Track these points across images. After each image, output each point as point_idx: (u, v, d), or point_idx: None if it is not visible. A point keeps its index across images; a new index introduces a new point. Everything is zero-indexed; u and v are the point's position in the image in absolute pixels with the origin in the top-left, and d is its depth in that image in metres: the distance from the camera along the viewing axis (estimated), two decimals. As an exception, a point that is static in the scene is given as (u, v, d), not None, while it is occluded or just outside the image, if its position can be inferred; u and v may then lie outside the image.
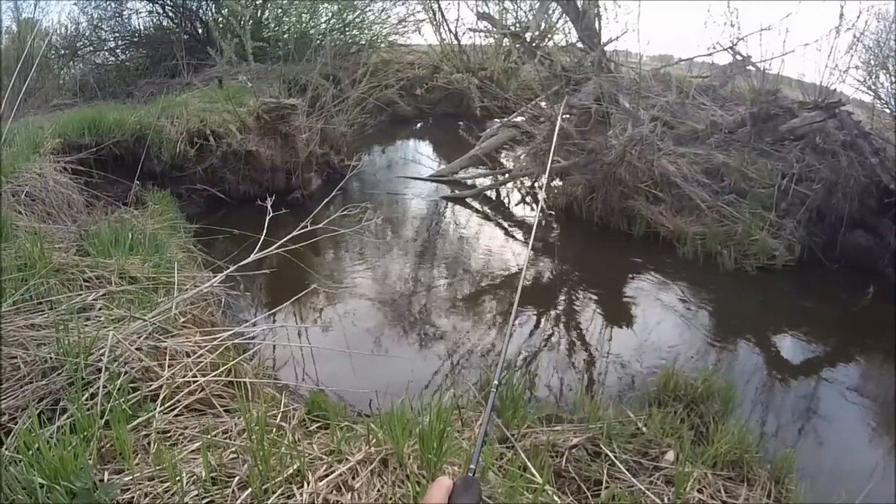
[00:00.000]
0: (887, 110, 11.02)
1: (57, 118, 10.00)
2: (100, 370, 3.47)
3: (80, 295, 4.47)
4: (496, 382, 1.31)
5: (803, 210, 9.08)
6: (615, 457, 3.92)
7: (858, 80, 11.09)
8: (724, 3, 12.04)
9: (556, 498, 3.43)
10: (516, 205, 11.78)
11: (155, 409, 3.43)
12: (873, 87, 10.99)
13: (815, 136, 10.03)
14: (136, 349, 3.74)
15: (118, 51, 17.99)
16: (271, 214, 6.20)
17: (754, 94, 11.08)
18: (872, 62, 11.08)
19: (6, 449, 2.85)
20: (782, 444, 5.03)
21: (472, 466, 1.31)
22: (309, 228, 6.17)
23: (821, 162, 9.53)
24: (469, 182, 12.55)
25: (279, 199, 7.22)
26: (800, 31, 11.98)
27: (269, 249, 5.74)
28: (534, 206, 11.63)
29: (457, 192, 12.00)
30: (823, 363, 6.76)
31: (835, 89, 10.62)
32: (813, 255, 8.89)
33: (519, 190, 12.37)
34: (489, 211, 11.33)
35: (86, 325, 3.89)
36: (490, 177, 12.92)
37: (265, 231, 5.93)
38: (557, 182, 11.51)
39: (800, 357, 6.88)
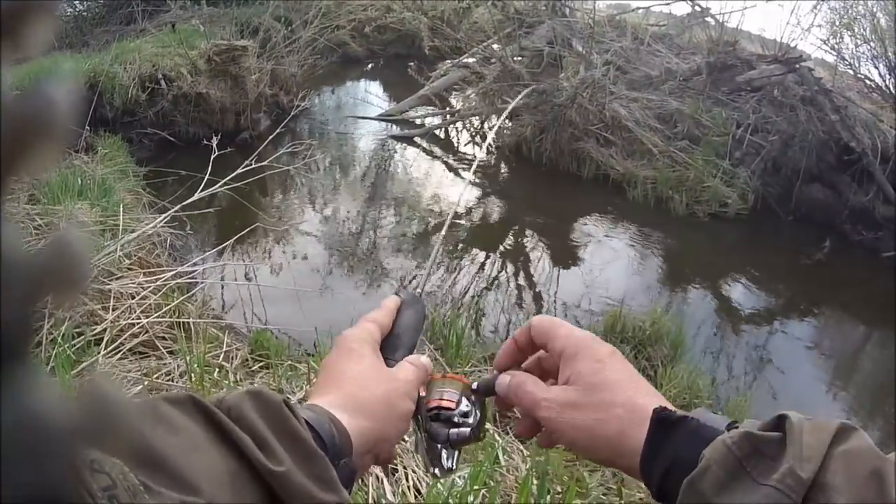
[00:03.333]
0: (851, 72, 11.02)
1: (14, 71, 9.87)
2: (44, 317, 3.45)
3: (29, 242, 4.36)
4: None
5: (758, 160, 9.06)
6: None
7: (821, 40, 11.09)
8: None
9: (497, 437, 3.44)
10: (465, 145, 11.80)
11: (98, 353, 3.50)
12: (837, 47, 10.96)
13: (773, 90, 10.02)
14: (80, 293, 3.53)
15: (76, 2, 17.69)
16: (216, 153, 6.20)
17: (711, 45, 11.10)
18: (837, 22, 11.07)
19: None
20: (734, 392, 5.11)
21: (419, 290, 1.13)
22: (254, 166, 6.21)
23: (778, 115, 9.52)
24: (418, 122, 12.51)
25: (228, 140, 7.38)
26: None
27: (214, 188, 5.79)
28: (482, 145, 11.49)
29: (406, 131, 11.93)
30: (777, 314, 6.78)
31: (796, 46, 10.64)
32: (767, 206, 8.87)
33: (468, 130, 12.36)
34: (438, 150, 11.31)
35: None
36: (439, 116, 12.92)
37: (210, 170, 5.95)
38: (507, 122, 11.34)
39: (752, 306, 6.89)
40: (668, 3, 13.06)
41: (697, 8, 12.44)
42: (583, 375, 0.89)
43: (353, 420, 0.88)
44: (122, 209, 5.47)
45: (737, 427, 0.75)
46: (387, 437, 0.96)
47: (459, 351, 4.47)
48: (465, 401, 1.06)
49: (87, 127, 8.57)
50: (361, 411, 0.91)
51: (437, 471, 1.05)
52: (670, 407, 0.82)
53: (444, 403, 1.05)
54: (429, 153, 11.12)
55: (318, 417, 0.83)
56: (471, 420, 1.05)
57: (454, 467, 1.05)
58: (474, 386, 1.07)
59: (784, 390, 5.37)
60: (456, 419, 1.04)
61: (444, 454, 1.04)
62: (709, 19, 12.18)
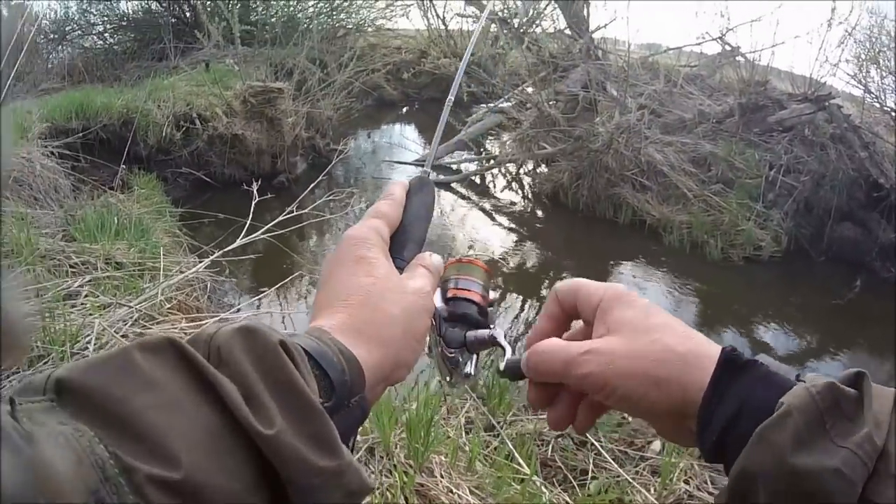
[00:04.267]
0: (877, 104, 11.04)
1: (45, 103, 9.97)
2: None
3: (67, 282, 4.42)
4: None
5: (791, 201, 9.08)
6: (601, 446, 3.82)
7: (849, 74, 11.08)
8: None
9: (543, 488, 3.37)
10: (501, 190, 11.79)
11: None
12: (864, 81, 10.96)
13: (803, 129, 10.03)
14: (122, 336, 3.68)
15: (107, 35, 17.95)
16: (257, 199, 6.11)
17: (743, 85, 11.09)
18: (863, 56, 11.08)
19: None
20: None
21: (427, 169, 1.10)
22: (295, 213, 6.09)
23: (809, 154, 9.54)
24: (454, 167, 12.55)
25: (265, 183, 7.16)
26: (791, 23, 11.97)
27: (255, 235, 5.69)
28: (519, 191, 11.66)
29: (442, 177, 11.90)
30: (809, 354, 6.80)
31: (825, 82, 10.64)
32: (800, 247, 8.90)
33: (504, 175, 12.36)
34: (474, 196, 11.31)
35: (72, 313, 3.81)
36: (475, 162, 12.93)
37: (251, 216, 5.87)
38: (543, 169, 11.53)
39: (785, 347, 6.91)
40: (698, 43, 13.11)
41: (728, 47, 12.51)
42: (628, 321, 0.84)
43: (366, 348, 0.79)
44: (161, 252, 5.43)
45: (802, 381, 0.72)
46: (404, 362, 0.88)
47: (503, 399, 4.29)
48: (488, 292, 1.00)
49: (122, 165, 8.55)
50: (376, 337, 0.82)
51: (451, 378, 0.99)
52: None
53: (462, 294, 0.98)
54: (465, 198, 11.16)
55: (324, 349, 0.74)
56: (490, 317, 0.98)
57: (472, 373, 0.98)
58: (502, 367, 0.93)
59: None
60: (472, 316, 0.97)
61: (460, 359, 0.97)
62: (739, 58, 12.20)
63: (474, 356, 0.97)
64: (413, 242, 0.99)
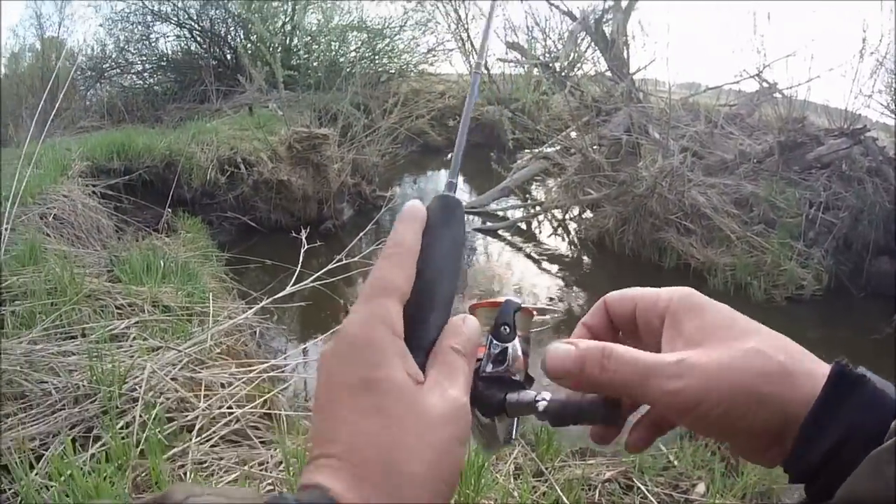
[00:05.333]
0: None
1: (84, 140, 10.15)
2: (134, 400, 3.50)
3: (113, 323, 4.47)
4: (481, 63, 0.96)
5: (830, 238, 9.12)
6: (647, 490, 3.89)
7: (882, 105, 11.20)
8: (749, 29, 11.99)
9: None
10: (547, 236, 11.83)
11: (191, 439, 3.41)
12: (896, 110, 10.98)
13: (841, 164, 10.07)
14: (172, 379, 3.81)
15: (146, 74, 18.30)
16: (306, 247, 6.15)
17: (781, 123, 11.14)
18: (895, 86, 11.13)
19: (36, 474, 2.86)
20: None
21: (452, 181, 0.84)
22: (345, 261, 6.13)
23: (847, 189, 9.58)
24: (500, 214, 12.61)
25: (311, 229, 7.16)
26: (824, 56, 12.00)
27: (305, 283, 5.69)
28: (565, 237, 11.72)
29: (488, 223, 12.04)
30: None
31: (860, 114, 10.74)
32: (840, 284, 8.93)
33: (550, 221, 12.38)
34: (520, 243, 11.36)
35: (118, 354, 3.90)
36: (521, 209, 12.97)
37: (300, 263, 5.91)
38: (588, 214, 11.61)
39: None
40: (736, 82, 13.23)
41: (765, 84, 12.60)
42: (714, 328, 0.72)
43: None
44: (210, 298, 5.46)
45: None
46: None
47: (551, 444, 4.23)
48: (494, 340, 0.78)
49: (167, 209, 8.58)
50: (395, 494, 0.63)
51: (488, 444, 0.81)
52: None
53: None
54: (511, 245, 11.20)
55: None
56: (517, 365, 0.78)
57: (513, 437, 0.80)
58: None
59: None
60: (509, 375, 0.77)
61: (497, 425, 0.79)
62: (777, 95, 12.26)
63: (515, 419, 0.79)
64: (438, 310, 0.74)
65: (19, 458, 2.84)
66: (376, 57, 18.38)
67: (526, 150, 13.40)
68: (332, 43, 17.65)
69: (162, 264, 5.99)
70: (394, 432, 0.65)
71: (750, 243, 9.34)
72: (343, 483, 0.62)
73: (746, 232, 9.50)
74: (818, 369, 0.69)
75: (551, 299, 8.80)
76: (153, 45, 18.18)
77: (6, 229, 5.14)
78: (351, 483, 0.62)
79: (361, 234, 7.24)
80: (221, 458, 3.37)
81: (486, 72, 17.91)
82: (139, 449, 3.14)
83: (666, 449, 4.49)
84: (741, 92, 14.25)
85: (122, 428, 3.30)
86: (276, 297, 5.44)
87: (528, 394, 0.76)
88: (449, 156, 15.34)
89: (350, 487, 0.61)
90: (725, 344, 0.70)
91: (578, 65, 15.92)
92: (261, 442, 3.71)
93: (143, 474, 3.06)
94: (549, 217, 12.46)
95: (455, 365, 0.71)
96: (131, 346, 4.18)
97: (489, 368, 0.77)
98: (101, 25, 17.68)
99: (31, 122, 6.26)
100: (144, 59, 18.24)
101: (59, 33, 17.99)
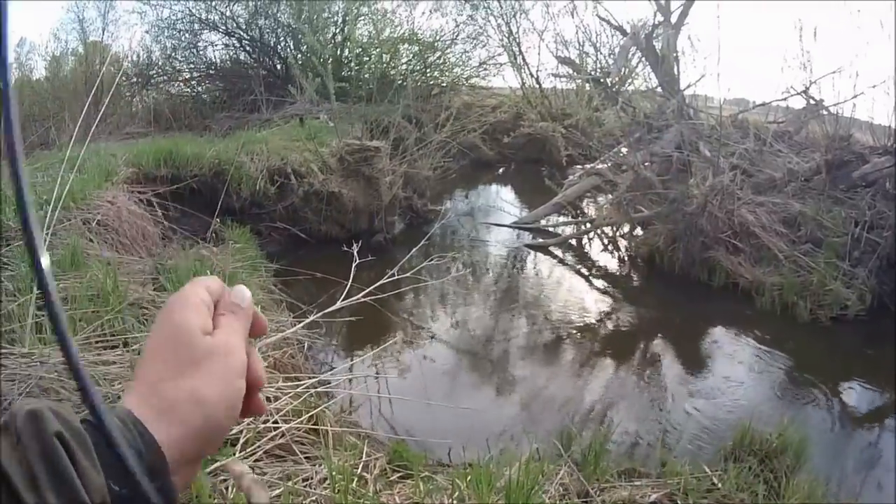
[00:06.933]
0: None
1: (130, 147, 10.17)
2: None
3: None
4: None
5: (874, 258, 9.11)
6: None
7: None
8: (797, 44, 12.01)
9: None
10: (598, 253, 11.94)
11: (234, 453, 3.47)
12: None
13: (885, 182, 10.08)
14: None
15: (193, 82, 18.47)
16: (357, 261, 6.18)
17: (828, 141, 11.15)
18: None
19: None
20: (848, 494, 5.15)
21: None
22: (397, 277, 6.16)
23: (891, 208, 9.58)
24: (551, 230, 12.70)
25: (362, 242, 7.00)
26: (868, 72, 11.93)
27: (356, 297, 5.65)
28: (615, 254, 11.78)
29: (539, 240, 12.11)
30: (890, 411, 6.80)
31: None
32: (883, 304, 8.91)
33: (601, 238, 12.44)
34: (570, 259, 11.50)
35: None
36: (572, 225, 13.00)
37: (351, 277, 5.95)
38: (639, 231, 11.72)
39: (866, 406, 6.94)
40: (784, 98, 13.24)
41: (811, 101, 12.63)
42: None
43: (165, 430, 0.75)
44: (259, 309, 5.35)
45: None
46: (212, 440, 0.82)
47: (598, 467, 4.32)
48: None
49: (215, 218, 8.56)
50: (173, 414, 0.76)
51: None
52: None
53: None
54: (561, 261, 11.27)
55: (126, 431, 0.71)
56: None
57: None
58: None
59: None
60: None
61: None
62: (823, 112, 12.25)
63: None
64: None
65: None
66: (428, 70, 18.47)
67: (578, 166, 13.49)
68: (384, 55, 17.69)
69: (209, 274, 5.78)
70: (191, 369, 0.80)
71: (797, 262, 9.36)
72: (138, 398, 0.78)
73: (794, 251, 9.54)
74: None
75: (601, 316, 8.89)
76: (201, 53, 18.46)
77: (47, 234, 5.09)
78: (143, 396, 0.78)
79: (414, 248, 7.35)
80: (265, 473, 3.44)
81: (538, 86, 18.06)
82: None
83: (710, 471, 4.59)
84: (789, 108, 14.33)
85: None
86: (326, 311, 5.47)
87: None
88: (500, 170, 15.50)
89: (142, 399, 0.77)
90: None
91: (630, 80, 16.06)
92: (306, 457, 3.79)
93: (184, 488, 3.18)
94: (600, 233, 12.49)
95: (232, 324, 0.89)
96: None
97: None
98: (147, 32, 18.02)
99: (73, 126, 6.32)
100: (192, 66, 18.48)
101: (102, 38, 18.29)
